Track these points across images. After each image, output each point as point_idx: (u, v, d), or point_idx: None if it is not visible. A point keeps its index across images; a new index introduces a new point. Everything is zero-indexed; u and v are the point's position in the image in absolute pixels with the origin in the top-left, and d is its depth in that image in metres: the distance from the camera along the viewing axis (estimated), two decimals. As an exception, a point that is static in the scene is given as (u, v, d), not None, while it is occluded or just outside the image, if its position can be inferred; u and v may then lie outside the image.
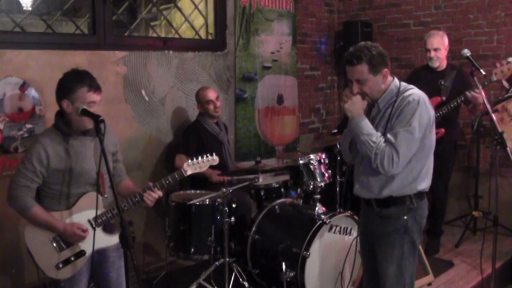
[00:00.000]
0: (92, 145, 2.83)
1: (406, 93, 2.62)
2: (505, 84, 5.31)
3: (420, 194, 2.71)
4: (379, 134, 2.61)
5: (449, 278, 4.24)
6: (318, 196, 3.86)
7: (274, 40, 5.70)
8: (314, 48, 6.32)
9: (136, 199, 2.86)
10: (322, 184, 3.91)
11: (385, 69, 2.64)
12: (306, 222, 3.73)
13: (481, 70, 3.42)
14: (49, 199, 2.78)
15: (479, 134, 5.31)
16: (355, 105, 2.63)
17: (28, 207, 2.70)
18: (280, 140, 5.90)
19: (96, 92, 2.72)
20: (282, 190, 4.27)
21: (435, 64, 4.60)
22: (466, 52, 3.53)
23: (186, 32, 5.11)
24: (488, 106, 3.39)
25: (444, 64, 4.64)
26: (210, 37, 5.23)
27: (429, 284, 4.00)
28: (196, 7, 5.10)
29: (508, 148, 3.25)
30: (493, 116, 3.37)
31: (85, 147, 2.81)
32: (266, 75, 5.66)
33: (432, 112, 2.65)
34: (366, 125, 2.62)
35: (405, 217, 2.68)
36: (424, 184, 2.71)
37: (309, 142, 6.29)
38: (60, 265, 2.75)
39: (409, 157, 2.59)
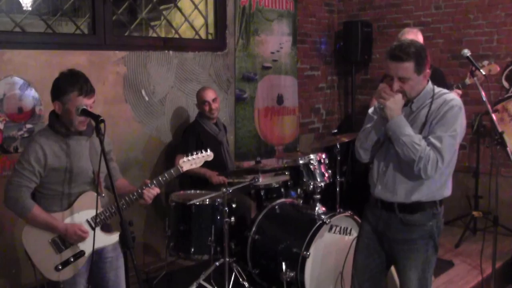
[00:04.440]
0: (87, 145, 2.83)
1: (447, 97, 2.57)
2: (505, 84, 5.32)
3: (442, 200, 2.70)
4: (420, 136, 2.53)
5: (449, 278, 4.24)
6: (318, 196, 3.86)
7: (274, 40, 5.70)
8: (314, 48, 6.31)
9: (134, 197, 2.86)
10: (322, 184, 3.91)
11: (428, 70, 2.58)
12: (306, 222, 3.73)
13: (481, 70, 3.42)
14: (46, 200, 2.76)
15: (479, 134, 5.31)
16: (397, 104, 2.53)
17: (28, 208, 2.69)
18: (280, 140, 5.90)
19: (87, 97, 2.69)
20: (282, 190, 4.28)
21: None
22: (466, 52, 3.53)
23: (186, 32, 5.11)
24: (488, 106, 3.39)
25: None
26: (210, 37, 5.23)
27: (429, 284, 3.99)
28: (196, 7, 5.10)
29: (508, 148, 3.25)
30: (493, 116, 3.37)
31: (81, 146, 2.80)
32: (266, 75, 5.66)
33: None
34: (407, 125, 2.53)
35: (430, 223, 2.65)
36: (449, 190, 2.70)
37: (309, 142, 6.30)
38: (59, 267, 2.73)
39: (449, 163, 2.56)
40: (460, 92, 4.31)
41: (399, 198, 2.65)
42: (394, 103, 2.53)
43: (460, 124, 2.54)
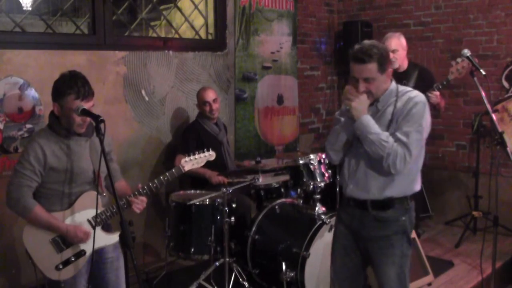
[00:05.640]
0: (87, 145, 2.83)
1: (411, 94, 2.65)
2: (505, 84, 5.32)
3: (413, 195, 2.76)
4: (387, 133, 2.60)
5: (449, 278, 4.24)
6: (318, 196, 3.86)
7: (274, 40, 5.70)
8: (314, 48, 6.32)
9: (130, 199, 2.86)
10: (322, 184, 3.91)
11: (390, 69, 2.67)
12: (306, 222, 3.73)
13: (481, 70, 3.42)
14: (46, 200, 2.75)
15: (479, 134, 5.31)
16: (362, 104, 2.61)
17: (30, 208, 2.68)
18: (280, 140, 5.90)
19: (84, 100, 2.66)
20: (282, 190, 4.28)
21: (395, 65, 4.65)
22: (466, 52, 3.53)
23: (186, 32, 5.11)
24: (488, 106, 3.39)
25: (405, 65, 4.70)
26: (210, 37, 5.24)
27: (429, 284, 3.99)
28: (196, 7, 5.10)
29: (508, 148, 3.25)
30: (493, 116, 3.37)
31: (81, 147, 2.80)
32: (266, 75, 5.66)
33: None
34: (374, 124, 2.61)
35: (403, 218, 2.71)
36: (419, 185, 2.76)
37: (309, 142, 6.30)
38: (60, 266, 2.73)
39: (415, 157, 2.62)
40: (437, 93, 4.36)
41: (371, 195, 2.69)
42: (360, 103, 2.61)
43: (425, 119, 2.61)
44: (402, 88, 2.71)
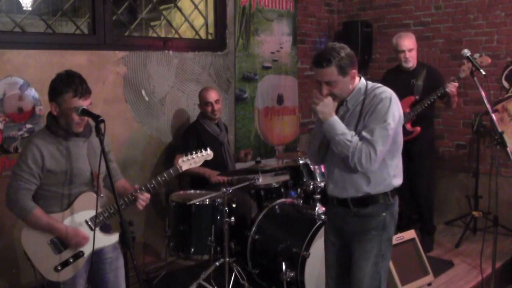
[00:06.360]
0: (85, 146, 2.82)
1: (377, 91, 2.67)
2: (505, 84, 5.32)
3: (394, 191, 2.76)
4: (352, 132, 2.63)
5: (449, 278, 4.24)
6: (318, 196, 3.86)
7: (274, 40, 5.70)
8: (314, 48, 6.31)
9: (133, 197, 2.87)
10: (322, 184, 3.91)
11: (353, 70, 2.67)
12: (306, 222, 3.73)
13: (481, 70, 3.42)
14: (44, 201, 2.75)
15: (479, 134, 5.31)
16: (327, 107, 2.65)
17: (29, 210, 2.68)
18: (280, 140, 5.91)
19: (82, 98, 2.67)
20: (282, 190, 4.28)
21: (410, 64, 4.65)
22: (466, 52, 3.53)
23: (186, 32, 5.11)
24: (488, 106, 3.39)
25: (415, 63, 4.70)
26: (210, 37, 5.24)
27: (429, 284, 3.99)
28: (196, 7, 5.10)
29: (508, 148, 3.25)
30: (493, 116, 3.37)
31: (79, 147, 2.79)
32: (266, 75, 5.66)
33: (401, 110, 2.69)
34: (340, 125, 2.64)
35: (384, 214, 2.73)
36: (398, 180, 2.77)
37: (309, 142, 6.29)
38: (59, 268, 2.73)
39: (384, 153, 2.62)
40: (456, 84, 4.39)
41: (350, 193, 2.73)
42: (324, 106, 2.65)
43: (392, 114, 2.60)
44: (371, 85, 2.73)
